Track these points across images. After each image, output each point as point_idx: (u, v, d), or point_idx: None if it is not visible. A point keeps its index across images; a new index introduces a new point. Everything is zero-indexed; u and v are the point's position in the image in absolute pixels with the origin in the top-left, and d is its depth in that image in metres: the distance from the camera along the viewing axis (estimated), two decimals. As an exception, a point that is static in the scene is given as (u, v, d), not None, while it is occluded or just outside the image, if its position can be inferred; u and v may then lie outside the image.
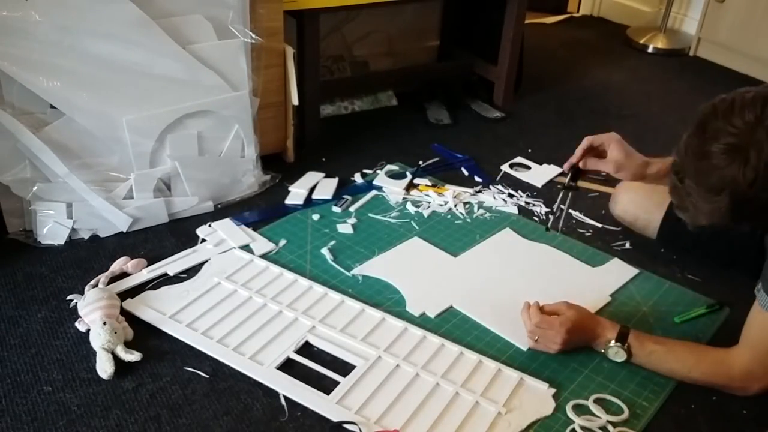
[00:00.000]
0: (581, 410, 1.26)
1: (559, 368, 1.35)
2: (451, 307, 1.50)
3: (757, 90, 1.07)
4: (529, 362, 1.36)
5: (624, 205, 1.72)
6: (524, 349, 1.39)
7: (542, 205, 1.90)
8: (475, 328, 1.45)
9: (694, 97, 2.59)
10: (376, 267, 1.61)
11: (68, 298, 1.45)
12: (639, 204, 1.69)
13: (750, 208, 1.07)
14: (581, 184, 2.01)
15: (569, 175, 1.49)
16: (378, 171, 2.02)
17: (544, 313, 1.38)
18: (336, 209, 1.83)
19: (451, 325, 1.45)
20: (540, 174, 2.06)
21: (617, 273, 1.63)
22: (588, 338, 1.37)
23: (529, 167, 2.10)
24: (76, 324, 1.39)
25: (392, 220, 1.80)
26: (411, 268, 1.62)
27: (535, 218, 1.85)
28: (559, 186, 1.49)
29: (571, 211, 1.87)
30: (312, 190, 1.91)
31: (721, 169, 1.05)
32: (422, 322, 1.46)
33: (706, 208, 1.10)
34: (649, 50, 3.13)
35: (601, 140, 1.45)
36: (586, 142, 1.46)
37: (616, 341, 1.33)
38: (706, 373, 1.30)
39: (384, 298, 1.52)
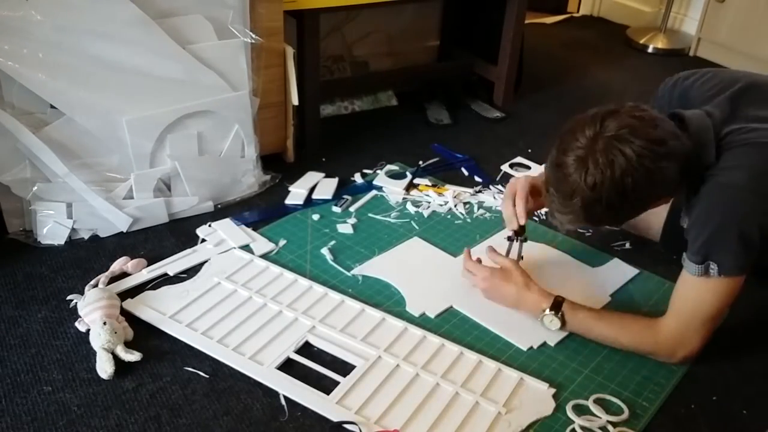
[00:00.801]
0: (581, 410, 1.26)
1: (559, 368, 1.36)
2: (451, 307, 1.50)
3: (599, 108, 1.24)
4: (529, 362, 1.36)
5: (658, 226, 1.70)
6: (524, 349, 1.39)
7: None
8: (475, 328, 1.45)
9: (694, 97, 2.60)
10: (375, 267, 1.61)
11: (68, 298, 1.45)
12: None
13: (599, 209, 1.22)
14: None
15: (518, 231, 1.54)
16: (378, 171, 2.02)
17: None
18: (336, 209, 1.83)
19: (451, 325, 1.45)
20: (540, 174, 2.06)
21: (617, 273, 1.64)
22: (517, 298, 1.45)
23: (529, 167, 2.10)
24: (76, 324, 1.39)
25: (392, 220, 1.80)
26: (411, 268, 1.62)
27: (534, 218, 1.84)
28: (509, 239, 1.55)
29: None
30: (312, 190, 1.91)
31: (570, 176, 1.21)
32: (422, 322, 1.46)
33: (565, 212, 1.27)
34: (649, 50, 3.14)
35: (528, 185, 1.52)
36: (521, 196, 1.51)
37: (551, 309, 1.39)
38: (633, 340, 1.37)
39: (384, 297, 1.52)
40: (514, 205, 1.51)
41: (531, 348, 1.40)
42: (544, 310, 1.40)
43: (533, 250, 1.70)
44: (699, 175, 1.27)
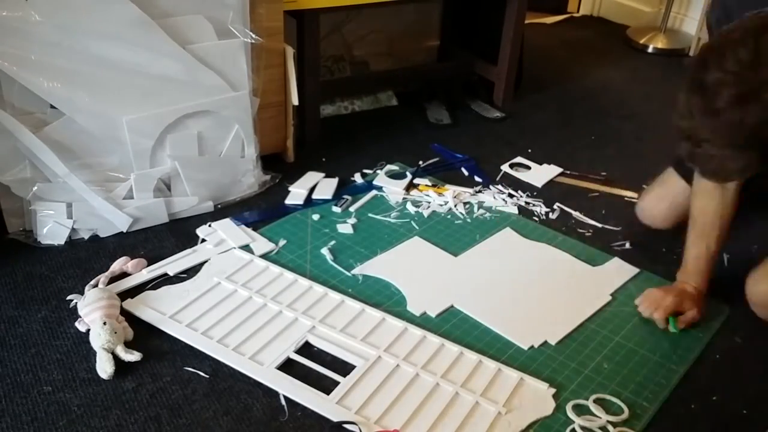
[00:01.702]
0: (581, 410, 1.26)
1: (559, 368, 1.36)
2: (452, 306, 1.50)
3: (740, 25, 1.00)
4: (529, 362, 1.36)
5: (652, 205, 1.71)
6: (525, 348, 1.39)
7: (542, 205, 1.90)
8: (475, 328, 1.45)
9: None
10: (376, 267, 1.61)
11: (68, 298, 1.45)
12: (666, 198, 1.68)
13: None
14: (583, 183, 2.02)
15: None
16: (378, 171, 2.02)
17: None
18: (336, 209, 1.83)
19: (451, 325, 1.45)
20: (540, 174, 2.06)
21: (617, 272, 1.64)
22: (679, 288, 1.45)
23: (529, 167, 2.10)
24: (76, 324, 1.39)
25: (392, 220, 1.80)
26: (411, 267, 1.62)
27: (535, 218, 1.85)
28: None
29: (570, 211, 1.88)
30: (312, 190, 1.91)
31: (741, 121, 0.97)
32: (422, 321, 1.45)
33: (737, 164, 1.04)
34: (649, 50, 3.13)
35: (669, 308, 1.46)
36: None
37: None
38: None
39: (384, 297, 1.52)
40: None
41: (532, 347, 1.40)
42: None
43: (533, 250, 1.71)
44: None
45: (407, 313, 1.47)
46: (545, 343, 1.41)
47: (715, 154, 1.04)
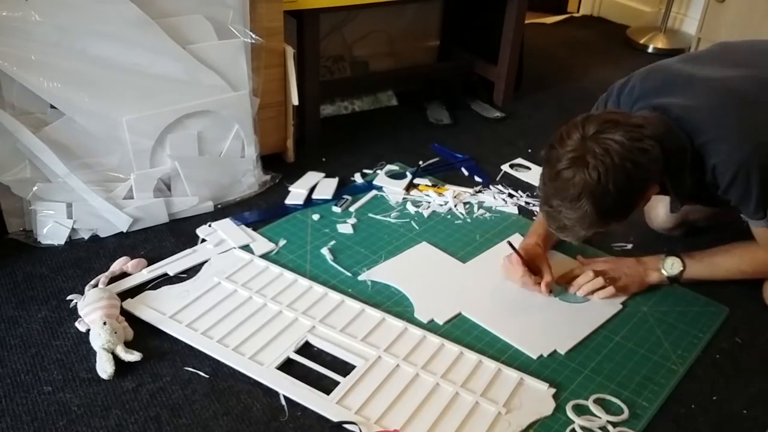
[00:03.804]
0: (581, 410, 1.26)
1: (559, 368, 1.35)
2: (460, 314, 1.48)
3: (570, 121, 1.29)
4: (529, 362, 1.36)
5: (651, 206, 1.73)
6: (534, 357, 1.38)
7: (542, 205, 1.90)
8: (474, 328, 1.45)
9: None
10: (384, 272, 1.60)
11: (68, 298, 1.45)
12: (664, 199, 1.68)
13: (610, 199, 1.24)
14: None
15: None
16: (378, 171, 2.02)
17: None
18: (336, 209, 1.83)
19: (451, 326, 1.45)
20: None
21: None
22: (631, 267, 1.55)
23: (529, 168, 2.10)
24: (76, 324, 1.39)
25: (392, 220, 1.80)
26: (419, 274, 1.60)
27: (534, 218, 1.84)
28: None
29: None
30: (312, 190, 1.91)
31: (572, 179, 1.24)
32: (431, 328, 1.44)
33: (575, 216, 1.27)
34: (649, 50, 3.13)
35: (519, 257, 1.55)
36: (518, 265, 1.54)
37: (667, 256, 1.53)
38: (752, 263, 1.48)
39: (393, 303, 1.50)
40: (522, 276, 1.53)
41: (541, 356, 1.38)
42: (662, 257, 1.52)
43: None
44: (684, 157, 1.34)
45: (417, 320, 1.46)
46: (554, 352, 1.39)
47: (560, 210, 1.28)
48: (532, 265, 1.53)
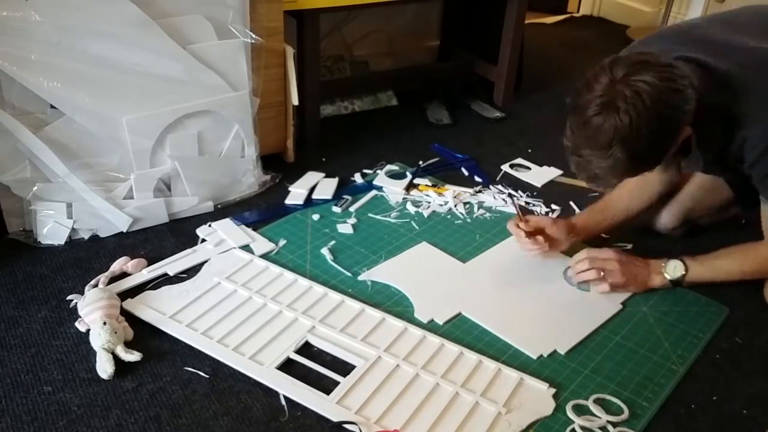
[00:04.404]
0: (581, 410, 1.26)
1: (559, 368, 1.35)
2: (460, 314, 1.48)
3: (602, 62, 1.26)
4: (529, 362, 1.36)
5: (670, 210, 1.71)
6: (534, 357, 1.38)
7: (542, 205, 1.90)
8: (474, 328, 1.45)
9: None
10: (384, 272, 1.59)
11: (68, 298, 1.45)
12: (686, 197, 1.70)
13: (643, 144, 1.21)
14: (582, 183, 2.02)
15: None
16: (378, 171, 2.02)
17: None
18: (336, 209, 1.83)
19: (451, 326, 1.45)
20: (540, 174, 2.06)
21: None
22: (640, 270, 1.52)
23: (529, 168, 2.10)
24: (76, 324, 1.39)
25: (392, 220, 1.80)
26: (419, 274, 1.60)
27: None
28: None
29: (575, 208, 1.88)
30: (312, 190, 1.91)
31: (602, 125, 1.20)
32: (431, 328, 1.44)
33: (607, 165, 1.24)
34: (649, 50, 3.13)
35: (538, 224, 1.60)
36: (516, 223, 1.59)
37: (670, 259, 1.50)
38: (754, 264, 1.46)
39: (393, 303, 1.50)
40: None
41: (541, 356, 1.38)
42: (665, 260, 1.51)
43: (543, 256, 1.68)
44: (716, 114, 1.30)
45: (416, 320, 1.46)
46: (554, 352, 1.39)
47: (590, 160, 1.25)
48: (538, 232, 1.57)
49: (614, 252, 1.53)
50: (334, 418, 1.21)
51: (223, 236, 1.69)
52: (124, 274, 1.54)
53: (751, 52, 1.33)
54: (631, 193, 1.64)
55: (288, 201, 1.86)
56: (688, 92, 1.21)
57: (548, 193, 1.97)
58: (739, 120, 1.31)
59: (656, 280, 1.53)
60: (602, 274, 1.51)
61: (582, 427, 1.23)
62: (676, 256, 1.52)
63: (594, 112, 1.21)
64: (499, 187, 1.98)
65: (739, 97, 1.29)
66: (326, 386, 1.28)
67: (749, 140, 1.31)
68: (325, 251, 1.66)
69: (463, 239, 1.74)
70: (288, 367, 1.32)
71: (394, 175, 2.00)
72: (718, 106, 1.30)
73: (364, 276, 1.58)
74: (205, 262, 1.60)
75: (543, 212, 1.87)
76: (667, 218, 1.71)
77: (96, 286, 1.47)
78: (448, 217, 1.83)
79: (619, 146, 1.20)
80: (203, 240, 1.68)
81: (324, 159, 2.09)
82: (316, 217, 1.80)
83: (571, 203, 1.92)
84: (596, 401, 1.28)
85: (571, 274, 1.56)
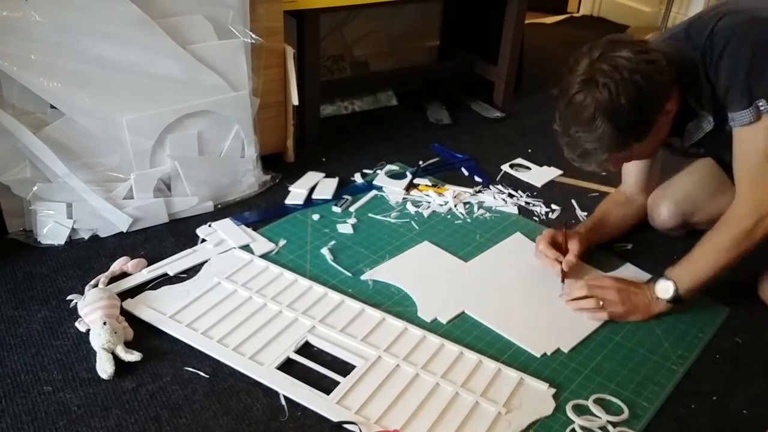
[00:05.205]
0: (581, 410, 1.26)
1: (559, 368, 1.35)
2: (463, 312, 1.48)
3: (580, 49, 1.33)
4: (529, 362, 1.36)
5: (668, 210, 1.69)
6: (537, 355, 1.38)
7: (542, 205, 1.90)
8: (474, 328, 1.45)
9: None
10: (386, 272, 1.59)
11: (68, 298, 1.45)
12: (686, 200, 1.69)
13: (626, 114, 1.25)
14: (582, 183, 2.02)
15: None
16: (378, 171, 2.02)
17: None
18: (336, 209, 1.83)
19: (451, 326, 1.45)
20: (540, 174, 2.06)
21: (630, 278, 1.56)
22: (639, 298, 1.46)
23: (529, 168, 2.10)
24: (76, 324, 1.39)
25: (392, 220, 1.80)
26: (422, 273, 1.60)
27: (535, 218, 1.85)
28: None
29: (577, 208, 1.89)
30: (312, 190, 1.91)
31: (585, 101, 1.27)
32: (433, 327, 1.44)
33: (593, 138, 1.29)
34: (649, 50, 3.13)
35: (548, 236, 1.59)
36: (545, 245, 1.57)
37: (655, 283, 1.45)
38: (729, 242, 1.37)
39: (393, 303, 1.50)
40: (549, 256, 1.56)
41: (545, 354, 1.38)
42: (653, 286, 1.45)
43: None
44: (696, 69, 1.33)
45: (419, 319, 1.46)
46: (558, 350, 1.39)
47: (578, 137, 1.30)
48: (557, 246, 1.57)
49: (613, 280, 1.49)
50: (334, 418, 1.21)
51: (223, 236, 1.69)
52: (124, 274, 1.54)
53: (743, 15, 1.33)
54: (617, 207, 1.71)
55: (288, 201, 1.86)
56: (662, 62, 1.28)
57: (548, 193, 1.97)
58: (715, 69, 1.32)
59: (658, 308, 1.47)
60: (601, 303, 1.45)
61: (582, 427, 1.23)
62: (658, 276, 1.45)
63: (576, 90, 1.28)
64: (499, 187, 1.98)
65: (717, 46, 1.31)
66: (326, 386, 1.28)
67: (716, 36, 1.30)
68: (325, 251, 1.66)
69: (463, 239, 1.74)
70: (288, 367, 1.32)
71: (394, 175, 2.00)
72: (694, 60, 1.33)
73: (367, 275, 1.58)
74: (205, 262, 1.60)
75: (543, 212, 1.87)
76: (666, 218, 1.70)
77: (96, 286, 1.47)
78: (448, 217, 1.83)
79: (603, 118, 1.26)
80: (203, 240, 1.68)
81: (324, 159, 2.09)
82: (316, 217, 1.80)
83: (573, 201, 1.92)
84: (596, 401, 1.28)
85: (568, 303, 1.50)
